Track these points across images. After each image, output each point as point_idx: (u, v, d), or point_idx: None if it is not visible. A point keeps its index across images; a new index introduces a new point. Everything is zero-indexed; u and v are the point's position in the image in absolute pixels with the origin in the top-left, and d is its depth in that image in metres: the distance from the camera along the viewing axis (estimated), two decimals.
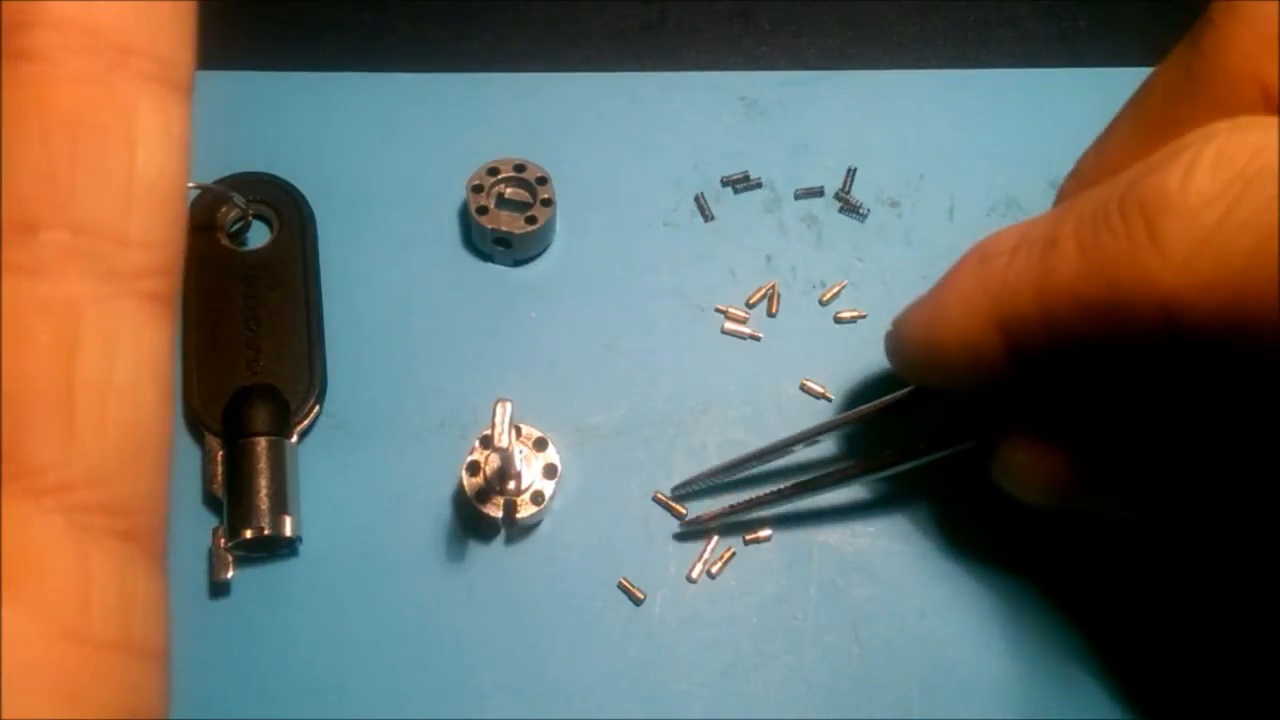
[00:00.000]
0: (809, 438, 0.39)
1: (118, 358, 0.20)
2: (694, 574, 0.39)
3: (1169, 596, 0.39)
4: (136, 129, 0.20)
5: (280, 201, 0.44)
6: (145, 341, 0.20)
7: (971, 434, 0.37)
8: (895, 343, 0.36)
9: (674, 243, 0.45)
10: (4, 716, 0.18)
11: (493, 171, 0.44)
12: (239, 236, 0.44)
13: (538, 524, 0.40)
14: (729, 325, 0.44)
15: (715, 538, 0.40)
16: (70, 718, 0.19)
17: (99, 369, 0.20)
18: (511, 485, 0.38)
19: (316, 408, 0.41)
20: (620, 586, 0.39)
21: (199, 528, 0.39)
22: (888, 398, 0.38)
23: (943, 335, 0.33)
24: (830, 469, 0.40)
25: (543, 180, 0.44)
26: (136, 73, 0.20)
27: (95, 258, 0.20)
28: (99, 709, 0.20)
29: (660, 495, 0.40)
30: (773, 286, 0.44)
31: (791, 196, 0.46)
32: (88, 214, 0.20)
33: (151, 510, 0.21)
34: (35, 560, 0.19)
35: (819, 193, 0.46)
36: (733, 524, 0.40)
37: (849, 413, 0.39)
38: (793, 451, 0.40)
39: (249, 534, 0.37)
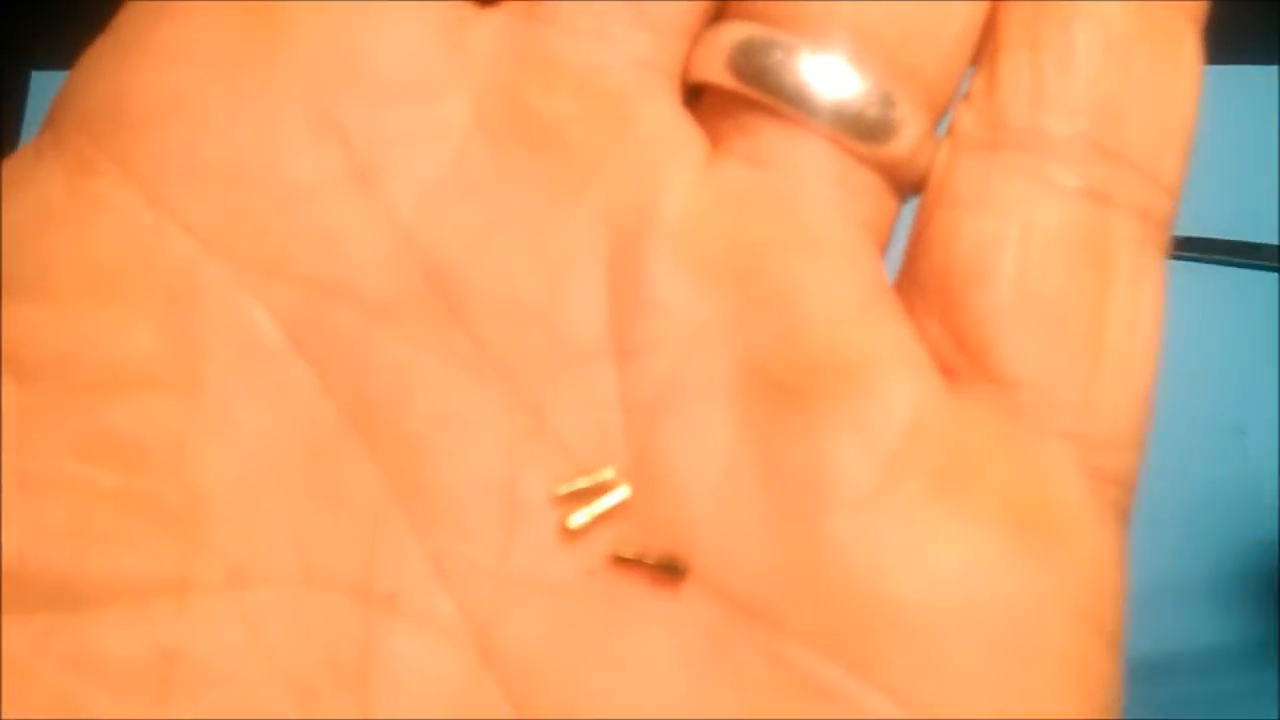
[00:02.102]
0: None
1: (1144, 303, 0.17)
2: None
3: None
4: (1184, 62, 0.17)
5: None
6: (1160, 296, 0.17)
7: None
8: None
9: None
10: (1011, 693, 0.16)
11: None
12: None
13: None
14: None
15: None
16: (1086, 716, 0.16)
17: (1129, 306, 0.16)
18: None
19: None
20: None
21: None
22: None
23: None
24: None
25: None
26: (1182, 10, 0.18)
27: (1133, 190, 0.17)
28: (1106, 709, 0.16)
29: None
30: None
31: None
32: (1131, 139, 0.17)
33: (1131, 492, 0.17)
34: (1062, 515, 0.16)
35: None
36: None
37: None
38: None
39: None
